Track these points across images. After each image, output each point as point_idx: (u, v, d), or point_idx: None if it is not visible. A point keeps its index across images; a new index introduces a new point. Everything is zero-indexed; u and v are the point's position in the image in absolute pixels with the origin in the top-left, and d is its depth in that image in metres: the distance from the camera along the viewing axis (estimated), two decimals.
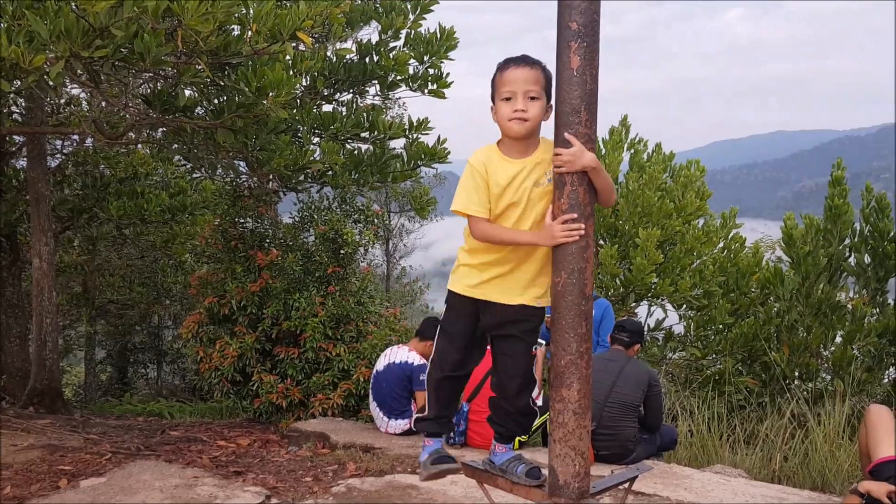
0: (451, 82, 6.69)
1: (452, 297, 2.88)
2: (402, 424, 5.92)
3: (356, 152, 6.93)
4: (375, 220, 7.99)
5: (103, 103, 6.19)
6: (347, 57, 6.42)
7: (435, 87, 6.66)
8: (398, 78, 6.62)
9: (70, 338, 15.17)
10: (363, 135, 6.78)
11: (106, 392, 14.42)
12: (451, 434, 5.59)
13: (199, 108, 5.73)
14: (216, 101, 5.51)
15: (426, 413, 3.02)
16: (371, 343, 7.15)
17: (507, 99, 2.65)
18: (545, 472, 2.71)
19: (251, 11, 4.40)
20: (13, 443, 5.34)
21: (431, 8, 6.62)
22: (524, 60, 2.67)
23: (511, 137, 2.69)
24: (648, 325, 9.41)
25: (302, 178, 7.01)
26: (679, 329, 9.54)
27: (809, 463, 5.75)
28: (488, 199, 2.69)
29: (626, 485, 2.97)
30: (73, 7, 3.85)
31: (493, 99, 2.73)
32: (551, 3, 2.54)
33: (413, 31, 6.63)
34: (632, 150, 10.14)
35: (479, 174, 2.69)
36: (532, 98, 2.63)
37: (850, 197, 8.51)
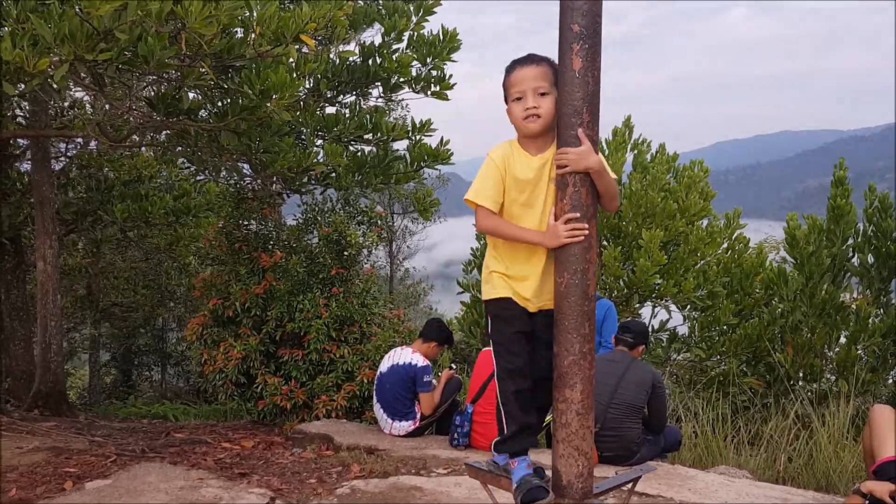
0: (454, 84, 6.70)
1: (497, 305, 2.80)
2: (406, 426, 5.93)
3: (359, 154, 6.94)
4: (379, 222, 7.99)
5: (107, 106, 6.21)
6: (350, 59, 6.43)
7: (438, 88, 6.67)
8: (401, 80, 6.63)
9: (74, 340, 15.20)
10: (366, 137, 6.80)
11: (110, 394, 14.44)
12: (456, 435, 5.59)
13: (202, 110, 5.75)
14: (220, 103, 5.53)
15: (505, 433, 2.82)
16: (375, 345, 7.16)
17: (518, 99, 2.68)
18: (549, 472, 2.71)
19: (255, 14, 4.41)
20: (18, 445, 5.36)
21: (434, 10, 6.63)
22: (530, 59, 2.70)
23: (527, 136, 2.73)
24: (652, 327, 9.40)
25: (305, 180, 7.03)
26: (683, 330, 9.52)
27: (814, 464, 5.74)
28: (501, 194, 2.72)
29: (630, 485, 2.97)
30: (77, 10, 3.86)
31: (506, 101, 2.77)
32: (554, 4, 2.56)
33: (416, 33, 6.64)
34: (635, 151, 10.13)
35: (496, 168, 2.73)
36: (542, 94, 2.65)
37: (853, 197, 8.50)
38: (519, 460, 2.77)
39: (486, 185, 2.73)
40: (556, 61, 2.56)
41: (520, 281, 2.77)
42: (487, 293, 2.83)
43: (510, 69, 2.73)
